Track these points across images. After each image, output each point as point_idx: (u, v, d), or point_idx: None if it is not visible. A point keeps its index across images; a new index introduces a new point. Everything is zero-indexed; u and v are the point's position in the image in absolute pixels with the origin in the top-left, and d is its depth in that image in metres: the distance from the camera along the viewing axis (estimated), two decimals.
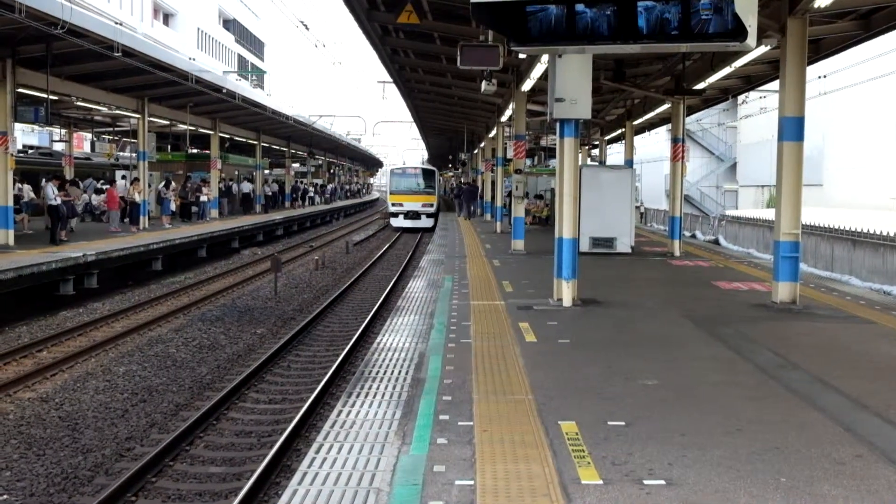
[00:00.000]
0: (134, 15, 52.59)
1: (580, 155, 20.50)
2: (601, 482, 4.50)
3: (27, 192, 24.28)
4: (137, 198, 24.65)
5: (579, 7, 5.33)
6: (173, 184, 29.59)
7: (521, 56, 15.72)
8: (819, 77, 26.39)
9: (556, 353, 7.95)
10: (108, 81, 22.13)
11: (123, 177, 29.19)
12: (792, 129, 10.61)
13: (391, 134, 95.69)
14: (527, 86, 17.48)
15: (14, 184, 22.95)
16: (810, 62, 11.80)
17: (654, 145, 50.41)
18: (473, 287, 12.46)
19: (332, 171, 68.23)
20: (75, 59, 18.65)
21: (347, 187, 76.27)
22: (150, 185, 27.96)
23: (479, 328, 9.09)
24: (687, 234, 27.15)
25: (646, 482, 4.51)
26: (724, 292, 12.39)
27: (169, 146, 35.92)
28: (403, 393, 6.44)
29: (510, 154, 23.12)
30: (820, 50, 13.23)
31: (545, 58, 13.01)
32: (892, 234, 17.55)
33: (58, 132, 33.02)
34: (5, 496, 6.90)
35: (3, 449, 7.97)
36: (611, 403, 6.09)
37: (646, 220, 38.77)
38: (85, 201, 27.33)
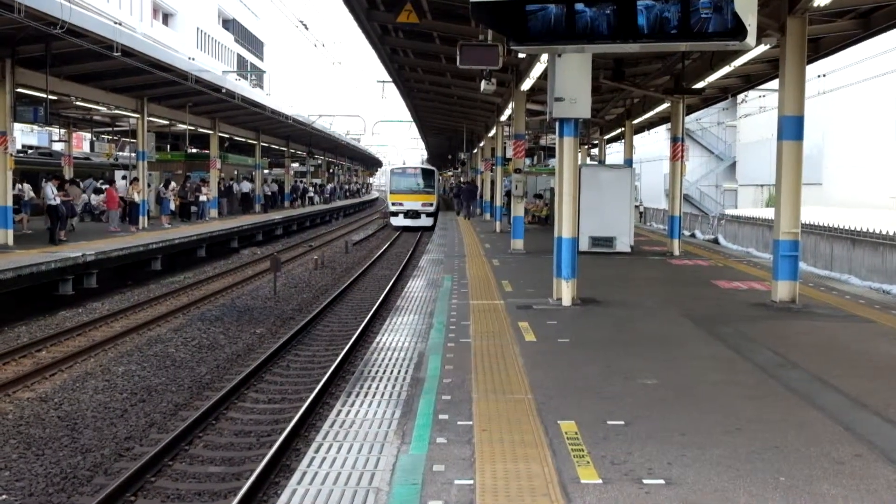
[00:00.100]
0: (133, 15, 52.55)
1: (579, 154, 20.49)
2: (600, 481, 4.50)
3: (27, 191, 24.27)
4: (137, 198, 24.64)
5: (579, 6, 5.33)
6: (173, 183, 29.58)
7: (521, 55, 15.72)
8: (818, 76, 26.41)
9: (555, 353, 7.94)
10: (108, 81, 22.12)
11: (124, 177, 29.18)
12: (791, 128, 10.61)
13: (390, 133, 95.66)
14: (526, 85, 17.47)
15: (14, 184, 22.99)
16: (810, 61, 11.80)
17: (653, 144, 50.38)
18: (473, 286, 12.46)
19: (331, 170, 68.21)
20: (74, 58, 18.64)
21: (347, 187, 76.26)
22: (149, 185, 27.95)
23: (478, 327, 9.09)
24: (686, 233, 27.16)
25: (645, 481, 4.51)
26: (723, 291, 12.39)
27: (168, 146, 35.90)
28: (403, 392, 6.44)
29: (510, 153, 23.11)
30: (819, 49, 13.23)
31: (545, 57, 13.01)
32: (891, 234, 17.55)
33: (57, 132, 32.99)
34: (4, 496, 6.89)
35: (2, 449, 7.96)
36: (610, 403, 6.09)
37: (645, 219, 38.77)
38: (84, 201, 27.31)
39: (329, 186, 61.78)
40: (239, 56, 78.94)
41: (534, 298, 11.15)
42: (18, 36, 16.45)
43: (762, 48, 11.98)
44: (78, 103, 22.62)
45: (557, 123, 11.01)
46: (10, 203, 18.72)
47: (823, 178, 46.05)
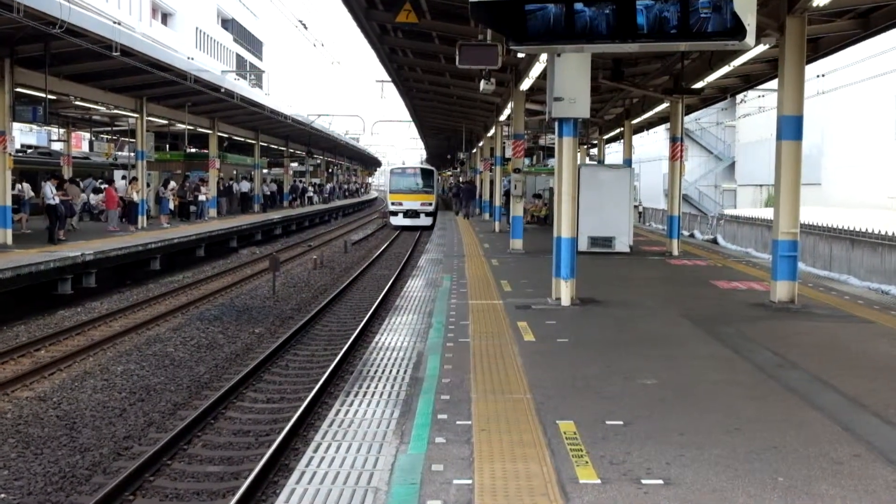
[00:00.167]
0: (132, 14, 52.53)
1: (579, 154, 20.48)
2: (599, 481, 4.50)
3: (27, 191, 24.26)
4: (136, 197, 24.63)
5: (578, 6, 5.33)
6: (172, 183, 29.58)
7: (520, 55, 15.72)
8: (817, 76, 26.42)
9: (554, 353, 7.94)
10: (107, 81, 22.11)
11: (123, 177, 29.17)
12: (790, 128, 10.61)
13: (390, 133, 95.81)
14: (525, 85, 17.47)
15: (14, 184, 22.99)
16: (809, 61, 11.81)
17: (652, 144, 50.40)
18: (472, 286, 12.46)
19: (330, 170, 68.20)
20: (74, 58, 18.63)
21: (346, 187, 76.25)
22: (148, 185, 27.94)
23: (477, 327, 9.08)
24: (685, 233, 27.17)
25: (644, 481, 4.51)
26: (722, 291, 12.39)
27: (167, 146, 35.88)
28: (402, 392, 6.44)
29: (509, 153, 23.11)
30: (818, 49, 13.23)
31: (544, 57, 13.01)
32: (890, 234, 17.56)
33: (56, 132, 32.98)
34: (3, 495, 6.89)
35: (0, 448, 7.96)
36: (609, 403, 6.09)
37: (644, 219, 38.79)
38: (83, 201, 27.30)
39: (328, 186, 61.78)
40: (238, 56, 78.91)
41: (533, 298, 11.15)
42: (17, 35, 16.45)
43: (761, 48, 11.98)
44: (77, 103, 22.60)
45: (556, 123, 11.01)
46: (9, 202, 18.72)
47: (822, 178, 46.07)
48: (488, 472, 4.65)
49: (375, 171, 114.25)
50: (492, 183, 29.62)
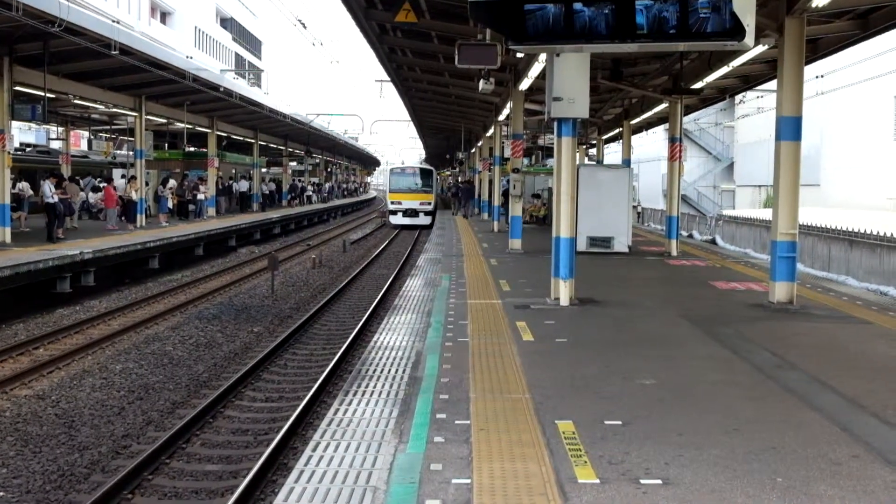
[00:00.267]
0: (131, 13, 52.51)
1: (577, 154, 20.49)
2: (598, 481, 4.50)
3: (26, 190, 24.25)
4: (134, 196, 24.62)
5: (577, 6, 5.33)
6: (171, 181, 29.58)
7: (519, 55, 15.72)
8: (816, 77, 26.42)
9: (553, 353, 7.95)
10: (106, 79, 22.10)
11: (123, 175, 29.16)
12: (789, 128, 10.62)
13: (389, 133, 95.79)
14: (524, 85, 17.47)
15: (15, 183, 23.00)
16: (808, 62, 11.81)
17: (651, 145, 50.43)
18: (471, 286, 12.46)
19: (329, 169, 68.19)
20: (72, 57, 18.62)
21: (345, 186, 76.24)
22: (147, 184, 27.92)
23: (476, 327, 9.09)
24: (684, 233, 27.18)
25: (642, 481, 4.51)
26: (721, 292, 12.39)
27: (166, 144, 35.88)
28: (400, 391, 6.44)
29: (508, 153, 23.11)
30: (817, 49, 13.23)
31: (543, 57, 13.01)
32: (888, 235, 17.57)
33: (55, 130, 32.96)
34: (2, 493, 6.89)
35: None
36: (608, 403, 6.09)
37: (643, 219, 38.80)
38: (82, 199, 27.29)
39: (327, 185, 61.77)
40: (237, 55, 78.90)
41: (531, 298, 11.15)
42: (16, 34, 16.43)
43: (760, 48, 11.99)
44: (76, 101, 22.60)
45: (556, 123, 11.01)
46: (7, 200, 18.71)
47: (821, 178, 46.08)
48: (487, 472, 4.65)
49: (374, 170, 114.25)
50: (490, 183, 29.63)
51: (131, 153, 28.61)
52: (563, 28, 5.36)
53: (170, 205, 28.73)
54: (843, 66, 26.40)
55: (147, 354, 11.80)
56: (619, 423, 5.56)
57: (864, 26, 11.99)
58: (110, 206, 24.33)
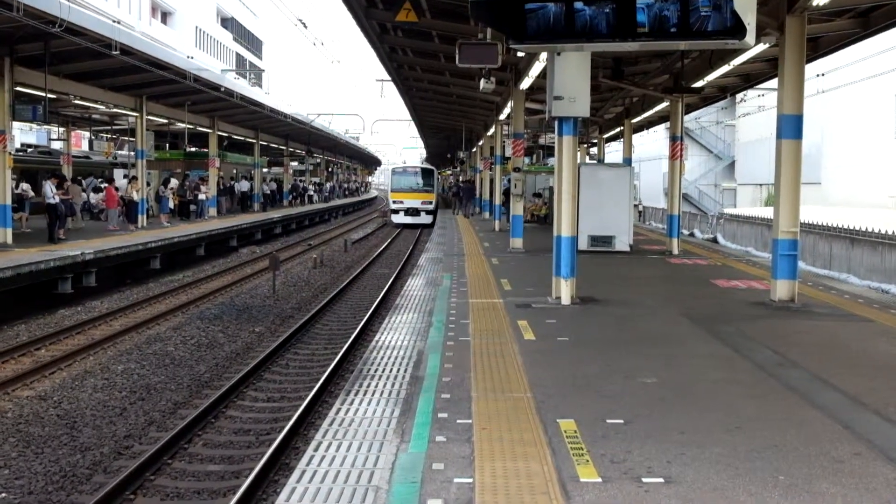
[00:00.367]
0: (132, 13, 52.52)
1: (578, 153, 20.49)
2: (600, 480, 4.50)
3: (28, 190, 24.27)
4: (135, 196, 24.63)
5: (578, 5, 5.34)
6: (172, 182, 29.58)
7: (520, 54, 15.72)
8: (817, 75, 26.42)
9: (554, 351, 7.95)
10: (106, 80, 22.11)
11: (125, 176, 29.17)
12: (790, 127, 10.61)
13: (390, 132, 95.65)
14: (525, 84, 17.47)
15: (18, 184, 23.03)
16: (809, 60, 11.80)
17: (652, 143, 50.42)
18: (472, 285, 12.46)
19: (330, 169, 68.20)
20: (73, 57, 18.63)
21: (346, 185, 76.25)
22: (148, 184, 27.93)
23: (477, 326, 9.09)
24: (685, 232, 27.17)
25: (644, 480, 4.51)
26: (722, 290, 12.39)
27: (167, 144, 35.89)
28: (402, 391, 6.44)
29: (509, 152, 23.12)
30: (818, 48, 13.23)
31: (544, 56, 13.01)
32: (890, 233, 17.56)
33: (56, 131, 32.97)
34: (4, 494, 6.89)
35: (1, 447, 7.96)
36: (610, 401, 6.09)
37: (644, 218, 38.78)
38: (83, 200, 27.30)
39: (328, 185, 61.79)
40: (238, 55, 78.91)
41: (533, 297, 11.15)
42: (17, 34, 16.44)
43: (761, 47, 11.99)
44: (77, 102, 22.60)
45: (556, 122, 11.01)
46: (9, 201, 18.72)
47: (822, 177, 46.08)
48: (489, 471, 4.65)
49: (375, 169, 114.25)
50: (492, 182, 29.63)
51: (132, 153, 28.61)
52: (563, 27, 5.37)
53: (171, 205, 28.74)
54: (843, 64, 26.40)
55: (149, 355, 11.80)
56: (621, 421, 5.56)
57: (865, 24, 11.99)
58: (112, 207, 24.34)
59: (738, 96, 37.04)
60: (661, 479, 4.52)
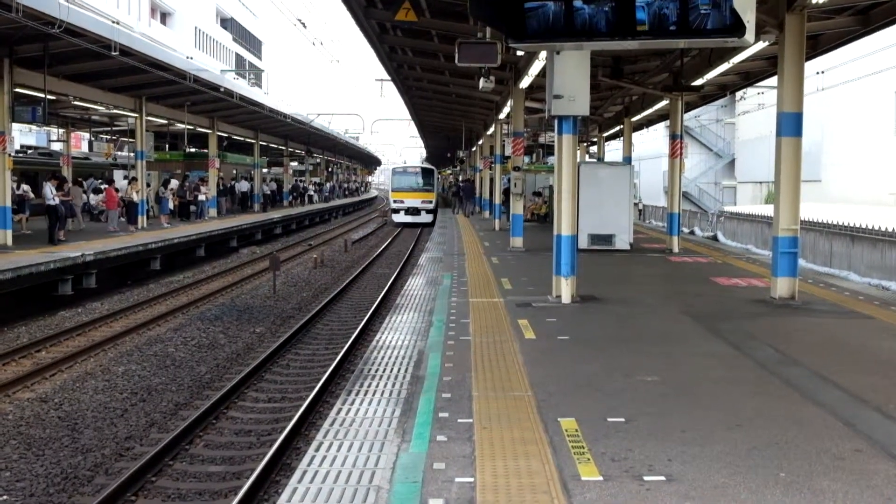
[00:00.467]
0: (131, 14, 52.50)
1: (578, 152, 20.48)
2: (601, 478, 4.50)
3: (29, 192, 24.28)
4: (135, 197, 24.63)
5: (577, 3, 5.33)
6: (172, 182, 29.57)
7: (519, 53, 15.72)
8: (817, 73, 26.40)
9: (555, 350, 7.94)
10: (106, 81, 22.10)
11: (125, 177, 29.17)
12: (790, 124, 10.61)
13: (389, 132, 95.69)
14: (525, 83, 17.47)
15: (19, 185, 23.03)
16: (808, 58, 11.80)
17: (652, 142, 50.41)
18: (472, 284, 12.46)
19: (329, 169, 68.20)
20: (72, 58, 18.62)
21: (345, 185, 76.25)
22: (148, 185, 27.93)
23: (478, 325, 9.09)
24: (685, 230, 27.14)
25: (646, 478, 4.51)
26: (723, 288, 12.39)
27: (167, 145, 35.89)
28: (403, 390, 6.44)
29: (508, 151, 23.12)
30: (818, 46, 13.23)
31: (543, 54, 13.00)
32: (890, 230, 17.55)
33: (55, 132, 32.95)
34: (5, 497, 6.89)
35: (2, 449, 7.96)
36: (610, 400, 6.09)
37: (644, 216, 38.74)
38: (84, 201, 27.31)
39: (328, 185, 61.80)
40: (237, 55, 78.91)
41: (533, 296, 11.15)
42: (16, 35, 16.44)
43: (761, 45, 11.99)
44: (76, 103, 22.59)
45: (556, 121, 11.00)
46: (8, 203, 18.72)
47: (822, 174, 46.08)
48: (490, 470, 4.65)
49: (375, 169, 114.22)
50: (491, 181, 29.63)
51: (132, 154, 28.61)
52: (563, 26, 5.37)
53: (171, 206, 28.74)
54: (843, 62, 26.40)
55: (149, 356, 11.80)
56: (622, 420, 5.56)
57: (865, 22, 11.99)
58: (112, 208, 24.34)
59: (738, 94, 37.06)
60: (662, 478, 4.52)
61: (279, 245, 30.29)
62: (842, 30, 12.48)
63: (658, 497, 4.27)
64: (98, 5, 38.40)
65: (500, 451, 4.98)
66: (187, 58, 26.47)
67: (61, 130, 30.18)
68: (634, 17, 5.24)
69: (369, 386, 6.60)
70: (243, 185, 39.93)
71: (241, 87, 31.43)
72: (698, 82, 16.35)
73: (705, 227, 31.35)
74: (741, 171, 55.55)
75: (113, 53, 17.20)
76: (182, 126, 29.94)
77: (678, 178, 18.74)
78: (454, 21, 15.45)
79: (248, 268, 22.46)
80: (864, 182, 42.93)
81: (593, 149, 33.05)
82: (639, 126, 28.24)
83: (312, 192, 53.40)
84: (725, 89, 20.91)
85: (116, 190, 25.39)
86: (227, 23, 76.98)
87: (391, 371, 7.10)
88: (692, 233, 29.54)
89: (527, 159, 28.34)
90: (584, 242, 16.23)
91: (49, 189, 19.88)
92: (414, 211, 38.12)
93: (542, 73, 13.81)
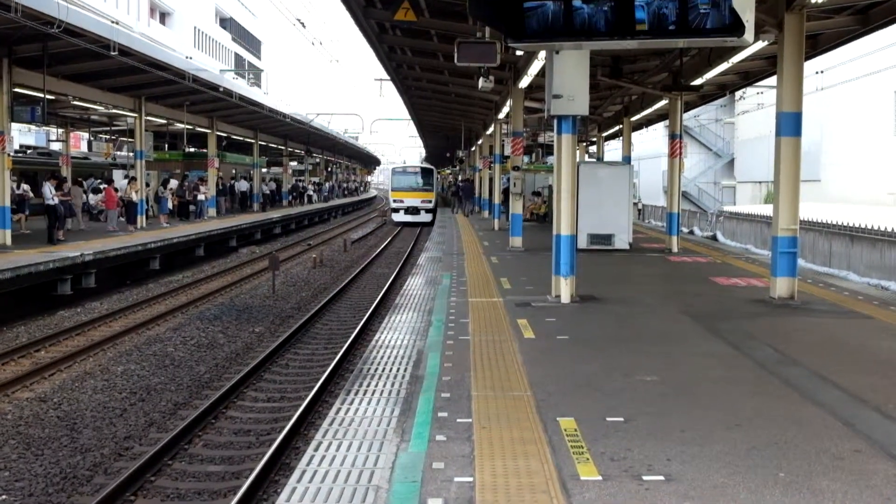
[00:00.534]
0: (130, 14, 52.49)
1: (578, 151, 20.47)
2: (600, 478, 4.50)
3: (28, 191, 24.28)
4: (135, 197, 24.63)
5: (576, 3, 5.33)
6: (172, 182, 29.56)
7: (519, 53, 15.72)
8: (816, 72, 26.38)
9: (554, 350, 7.94)
10: (105, 80, 22.09)
11: (124, 177, 29.16)
12: (789, 124, 10.61)
13: (389, 132, 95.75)
14: (524, 82, 17.46)
15: (19, 185, 23.02)
16: (808, 57, 11.80)
17: (651, 142, 50.40)
18: (471, 284, 12.45)
19: (329, 169, 68.19)
20: (72, 58, 18.61)
21: (345, 185, 76.25)
22: (147, 185, 27.92)
23: (477, 325, 9.08)
24: (685, 230, 27.14)
25: (645, 478, 4.50)
26: (722, 288, 12.39)
27: (166, 145, 35.89)
28: (402, 390, 6.44)
29: (508, 151, 23.11)
30: (817, 45, 13.23)
31: (542, 54, 13.00)
32: (889, 230, 17.55)
33: (54, 132, 32.95)
34: (4, 496, 6.89)
35: (1, 449, 7.95)
36: (610, 399, 6.09)
37: (644, 216, 38.75)
38: (83, 201, 27.30)
39: (327, 185, 61.79)
40: (236, 55, 78.89)
41: (532, 296, 11.15)
42: (15, 35, 16.43)
43: (760, 45, 11.98)
44: (75, 103, 22.58)
45: (555, 120, 11.00)
46: (7, 203, 18.71)
47: (822, 174, 46.07)
48: (489, 470, 4.65)
49: (374, 169, 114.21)
50: (491, 181, 29.62)
51: (131, 154, 28.60)
52: (562, 25, 5.36)
53: (170, 205, 28.73)
54: (842, 61, 26.39)
55: (148, 356, 11.80)
56: (622, 419, 5.56)
57: (864, 22, 11.99)
58: (111, 208, 24.33)
59: (738, 94, 37.09)
60: (661, 477, 4.51)
61: (278, 245, 30.28)
62: (841, 29, 12.48)
63: (657, 497, 4.26)
64: (97, 5, 38.42)
65: (499, 450, 4.98)
66: (186, 58, 26.48)
67: (60, 130, 30.19)
68: (634, 16, 5.24)
69: (368, 385, 6.60)
70: (242, 185, 39.93)
71: (241, 86, 31.42)
72: (697, 82, 16.35)
73: (704, 227, 31.34)
74: (740, 171, 55.55)
75: (112, 53, 17.19)
76: (181, 126, 29.93)
77: (677, 177, 18.74)
78: (453, 21, 15.45)
79: (247, 267, 22.45)
80: (864, 182, 42.93)
81: (593, 148, 33.04)
82: (638, 126, 28.23)
83: (312, 192, 53.39)
84: (725, 89, 20.91)
85: (116, 190, 25.38)
86: (226, 23, 76.96)
87: (390, 371, 7.10)
88: (691, 232, 29.54)
89: (526, 159, 28.34)
90: (583, 242, 16.22)
91: (48, 189, 19.87)
92: (413, 210, 38.34)
93: (542, 73, 13.81)
